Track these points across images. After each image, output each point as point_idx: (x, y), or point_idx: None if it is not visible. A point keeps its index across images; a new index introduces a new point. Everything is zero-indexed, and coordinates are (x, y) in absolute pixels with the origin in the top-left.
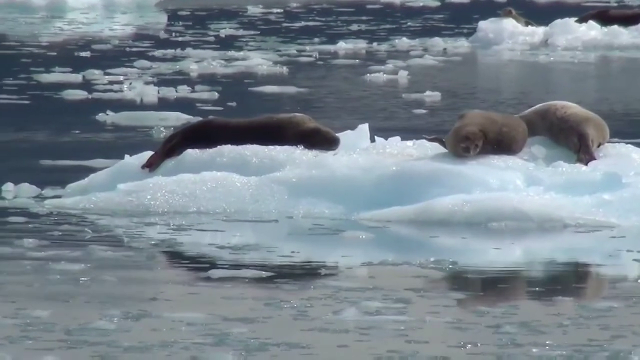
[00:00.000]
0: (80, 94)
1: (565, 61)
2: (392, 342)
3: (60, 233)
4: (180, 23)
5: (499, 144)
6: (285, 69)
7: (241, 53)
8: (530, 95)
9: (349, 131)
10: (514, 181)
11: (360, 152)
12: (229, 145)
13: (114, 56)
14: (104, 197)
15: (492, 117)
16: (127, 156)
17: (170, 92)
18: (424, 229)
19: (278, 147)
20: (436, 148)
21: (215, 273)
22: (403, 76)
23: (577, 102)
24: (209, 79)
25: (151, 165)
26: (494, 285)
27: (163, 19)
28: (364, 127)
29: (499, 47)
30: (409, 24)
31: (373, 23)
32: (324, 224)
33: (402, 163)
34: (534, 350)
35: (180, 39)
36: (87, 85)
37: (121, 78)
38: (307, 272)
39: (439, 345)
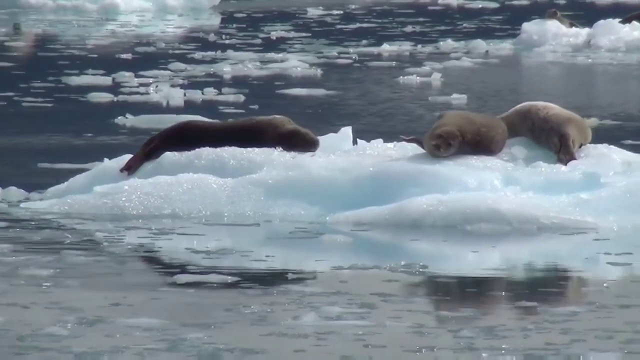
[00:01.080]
0: (105, 97)
1: (605, 63)
2: (348, 347)
3: (33, 237)
4: (234, 25)
5: (478, 144)
6: (319, 71)
7: (280, 55)
8: (559, 97)
9: (331, 134)
10: (492, 181)
11: (339, 153)
12: (208, 148)
13: (152, 59)
14: (79, 200)
15: (471, 118)
16: (106, 159)
17: (196, 95)
18: (400, 230)
19: (256, 149)
20: (416, 149)
21: (181, 278)
22: (436, 78)
23: (608, 105)
24: (239, 82)
25: (130, 168)
26: (461, 289)
27: (216, 21)
28: (347, 130)
29: (539, 49)
30: (464, 25)
31: (428, 25)
32: (300, 226)
33: (379, 164)
34: (484, 355)
35: (227, 41)
36: (115, 88)
37: (151, 81)
38: (274, 277)
39: (395, 350)
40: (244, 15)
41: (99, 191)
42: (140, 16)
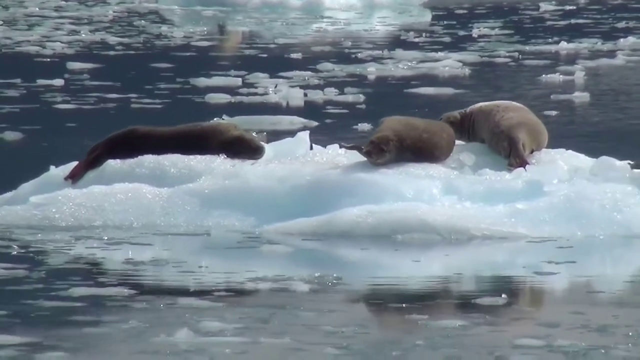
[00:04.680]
0: (223, 98)
1: None
2: None
3: None
4: (444, 22)
5: (420, 150)
6: (467, 71)
7: (442, 54)
8: None
9: (288, 138)
10: (430, 190)
11: (284, 160)
12: (150, 156)
13: (315, 58)
14: (11, 211)
15: (412, 123)
16: (52, 167)
17: (316, 95)
18: (329, 241)
19: (198, 157)
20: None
21: (75, 291)
22: (579, 77)
23: None
24: (376, 82)
25: (74, 177)
26: (363, 302)
27: (427, 17)
28: (304, 135)
29: None
30: None
31: None
32: (230, 237)
33: (316, 173)
34: None
35: (417, 39)
36: (239, 88)
37: (280, 81)
38: (173, 290)
39: None
40: (465, 11)
41: (33, 202)
42: (358, 13)
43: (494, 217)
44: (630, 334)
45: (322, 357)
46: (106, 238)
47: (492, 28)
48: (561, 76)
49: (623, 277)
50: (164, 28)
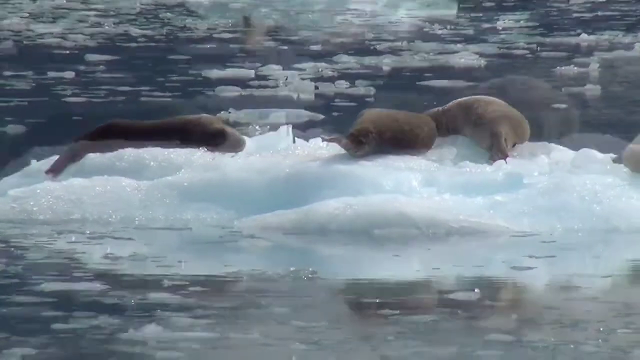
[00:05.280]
0: (232, 90)
1: None
2: None
3: None
4: (470, 14)
5: (400, 143)
6: (482, 62)
7: (459, 46)
8: None
9: (271, 132)
10: (410, 182)
11: (264, 154)
12: (130, 149)
13: (329, 51)
14: None
15: (393, 116)
16: (34, 161)
17: (328, 88)
18: (307, 235)
19: (178, 150)
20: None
21: (48, 286)
22: (594, 69)
23: None
24: (389, 74)
25: (55, 171)
26: (337, 297)
27: (454, 9)
28: (287, 129)
29: None
30: None
31: None
32: (208, 231)
33: (296, 165)
34: None
35: (440, 31)
36: (251, 81)
37: (292, 74)
38: (146, 285)
39: None
40: (492, 3)
41: (12, 195)
42: (385, 6)
43: (473, 209)
44: (601, 329)
45: (291, 353)
46: (85, 232)
47: (518, 20)
48: (576, 68)
49: (601, 273)
50: (189, 20)
